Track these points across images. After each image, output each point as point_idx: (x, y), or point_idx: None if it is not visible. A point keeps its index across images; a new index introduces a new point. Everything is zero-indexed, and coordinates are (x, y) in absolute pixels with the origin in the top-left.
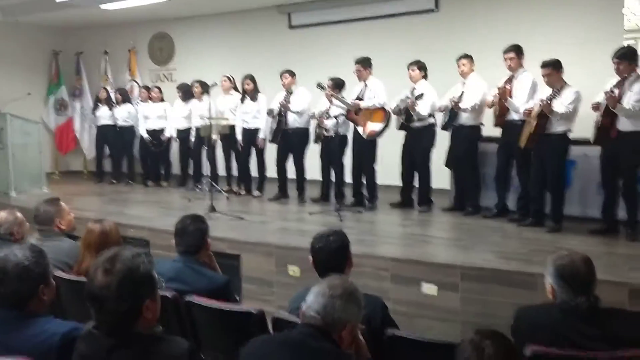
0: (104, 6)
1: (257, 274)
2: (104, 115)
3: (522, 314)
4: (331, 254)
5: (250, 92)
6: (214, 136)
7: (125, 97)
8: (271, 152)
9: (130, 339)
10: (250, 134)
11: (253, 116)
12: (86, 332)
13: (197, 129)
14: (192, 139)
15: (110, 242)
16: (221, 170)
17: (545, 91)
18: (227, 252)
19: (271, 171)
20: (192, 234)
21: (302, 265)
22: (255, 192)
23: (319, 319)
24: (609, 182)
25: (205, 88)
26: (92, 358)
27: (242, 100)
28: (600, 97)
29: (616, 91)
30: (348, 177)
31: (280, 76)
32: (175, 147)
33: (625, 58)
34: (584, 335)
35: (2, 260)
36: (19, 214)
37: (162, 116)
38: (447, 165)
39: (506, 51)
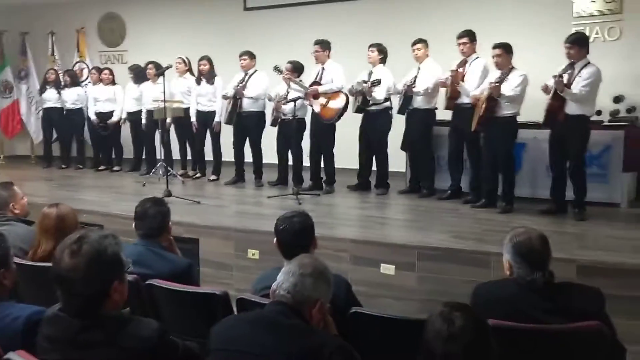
0: None
1: (215, 258)
2: (51, 98)
3: (481, 289)
4: (295, 235)
5: (206, 73)
6: (168, 119)
7: (74, 79)
8: (226, 135)
9: (98, 320)
10: (205, 117)
11: (208, 99)
12: (52, 314)
13: (149, 112)
14: (144, 121)
15: (66, 226)
16: (175, 154)
17: (494, 75)
18: (185, 237)
19: (226, 155)
20: (153, 217)
21: (260, 249)
22: (211, 176)
23: (290, 297)
24: (557, 163)
25: (159, 70)
26: (59, 340)
27: (198, 82)
28: (551, 82)
29: (565, 76)
30: (306, 161)
31: (240, 57)
32: (126, 131)
33: (576, 43)
34: (540, 309)
35: None
36: None
37: (112, 99)
38: (402, 148)
39: (459, 36)
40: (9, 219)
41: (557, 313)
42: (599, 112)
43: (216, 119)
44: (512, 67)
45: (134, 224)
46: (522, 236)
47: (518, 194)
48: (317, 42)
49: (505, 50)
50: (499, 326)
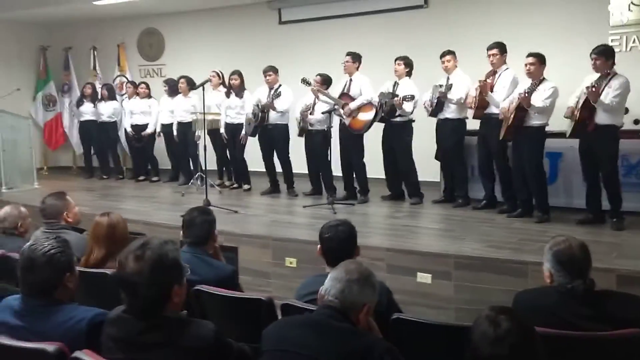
0: (96, 2)
1: (254, 266)
2: (87, 111)
3: (521, 297)
4: (341, 243)
5: (237, 87)
6: (198, 132)
7: (111, 93)
8: (252, 146)
9: (160, 321)
10: (234, 129)
11: (237, 112)
12: (116, 316)
13: (180, 124)
14: (175, 133)
15: (117, 234)
16: (211, 165)
17: (524, 84)
18: (224, 245)
19: (255, 165)
20: (200, 226)
21: (298, 257)
22: (245, 186)
23: (337, 302)
24: (589, 173)
25: (191, 84)
26: (123, 340)
27: (227, 95)
28: (578, 93)
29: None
30: (336, 170)
31: (264, 74)
32: (160, 142)
33: (602, 54)
34: (580, 317)
35: (31, 249)
36: (22, 208)
37: (146, 112)
38: (437, 157)
39: (490, 48)
40: (62, 227)
41: (598, 320)
42: (636, 122)
43: (243, 131)
44: (543, 78)
45: (181, 232)
46: (563, 244)
47: (554, 204)
48: (349, 54)
49: (539, 60)
50: (541, 333)
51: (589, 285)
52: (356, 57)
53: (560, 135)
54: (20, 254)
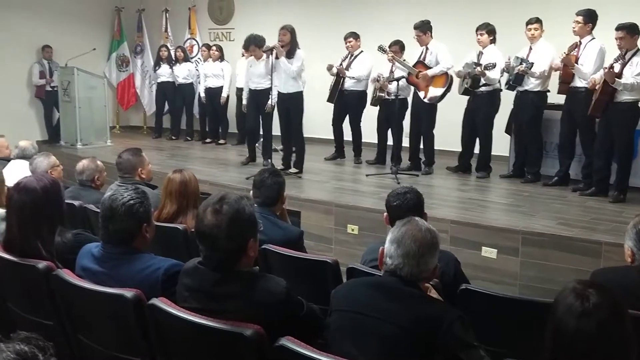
0: None
1: (316, 231)
2: (164, 73)
3: (598, 274)
4: (408, 211)
5: (286, 45)
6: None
7: (185, 55)
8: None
9: (234, 274)
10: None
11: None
12: (192, 266)
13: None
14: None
15: (189, 191)
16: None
17: (613, 57)
18: (287, 209)
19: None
20: (270, 187)
21: (360, 224)
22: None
23: (405, 271)
24: None
25: (266, 48)
26: (198, 290)
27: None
28: None
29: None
30: (404, 141)
31: (345, 40)
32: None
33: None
34: None
35: (111, 199)
36: (99, 162)
37: (219, 75)
38: (507, 131)
39: (577, 15)
40: (135, 183)
41: None
42: None
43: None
44: (637, 50)
45: (251, 192)
46: None
47: (632, 184)
48: (416, 27)
49: (628, 31)
50: None
51: None
52: (424, 28)
53: None
54: (101, 203)
